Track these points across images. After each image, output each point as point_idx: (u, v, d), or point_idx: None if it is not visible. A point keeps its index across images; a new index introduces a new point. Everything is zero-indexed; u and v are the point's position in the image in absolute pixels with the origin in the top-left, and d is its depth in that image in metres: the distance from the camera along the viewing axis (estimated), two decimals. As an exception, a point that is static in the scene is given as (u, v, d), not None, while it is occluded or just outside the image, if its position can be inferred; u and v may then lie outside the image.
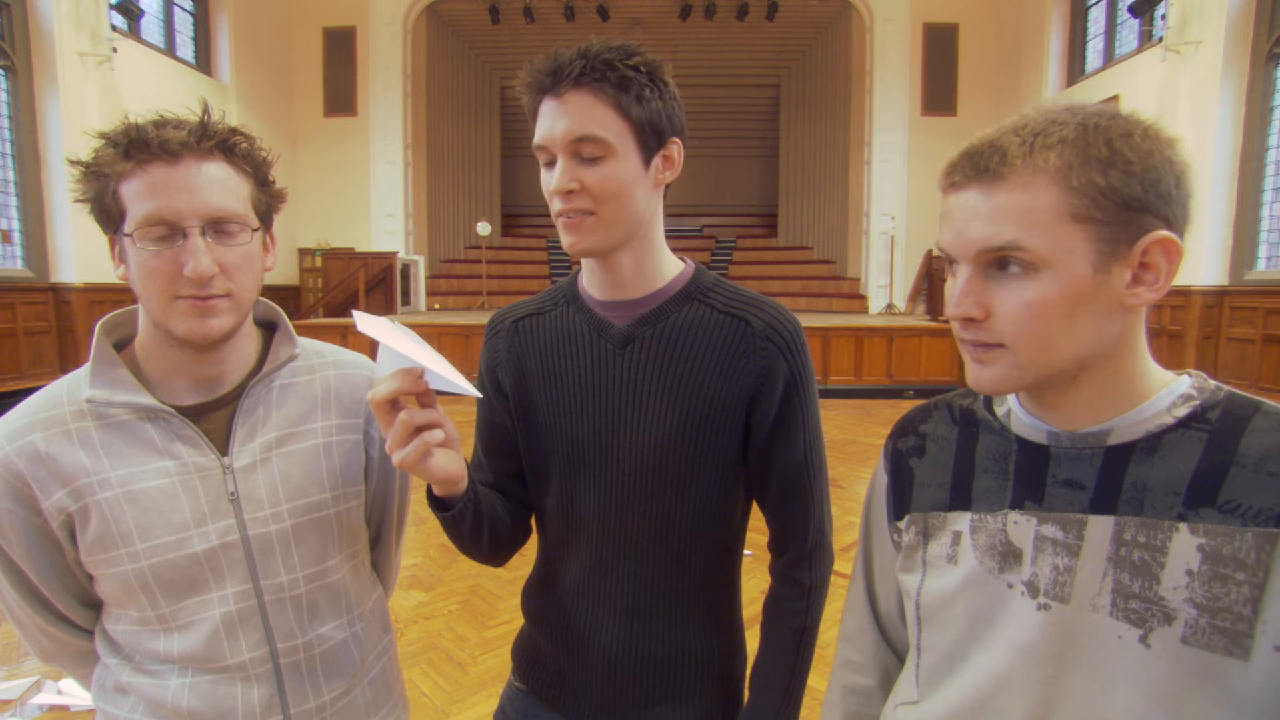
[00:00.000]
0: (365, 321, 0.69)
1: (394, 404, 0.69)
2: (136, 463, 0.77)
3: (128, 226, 0.73)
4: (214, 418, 0.82)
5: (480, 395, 0.73)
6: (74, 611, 0.84)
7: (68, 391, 0.79)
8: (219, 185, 0.75)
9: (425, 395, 0.70)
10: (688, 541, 0.87)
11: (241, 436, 0.82)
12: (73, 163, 0.75)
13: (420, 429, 0.69)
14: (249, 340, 0.86)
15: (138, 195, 0.73)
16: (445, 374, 0.67)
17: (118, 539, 0.76)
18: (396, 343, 0.67)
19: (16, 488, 0.75)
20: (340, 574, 0.89)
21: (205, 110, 0.77)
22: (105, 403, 0.77)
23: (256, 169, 0.80)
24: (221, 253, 0.75)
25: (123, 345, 0.84)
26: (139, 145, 0.72)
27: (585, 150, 0.77)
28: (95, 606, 0.85)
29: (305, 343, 0.93)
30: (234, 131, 0.78)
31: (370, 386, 0.90)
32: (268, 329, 0.91)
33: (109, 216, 0.75)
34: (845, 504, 4.36)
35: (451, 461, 0.74)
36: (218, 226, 0.75)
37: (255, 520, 0.82)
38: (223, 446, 0.82)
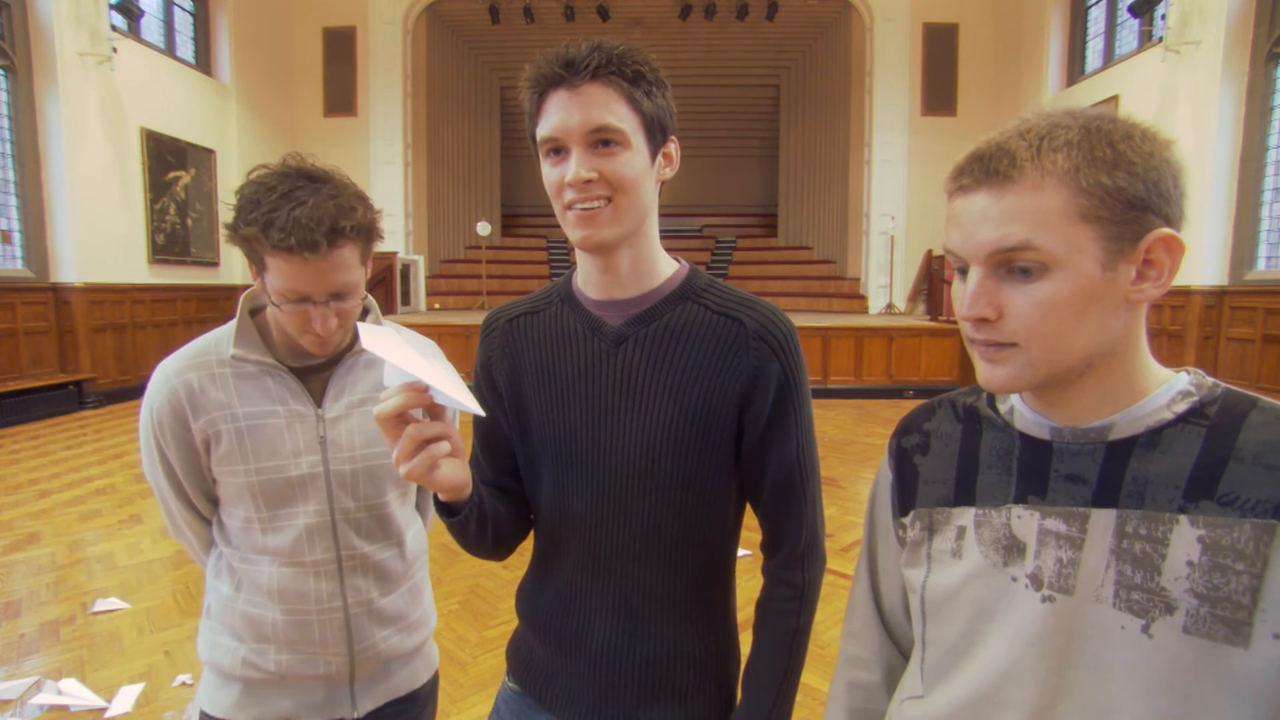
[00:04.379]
0: (370, 337, 0.70)
1: (401, 415, 0.70)
2: (258, 404, 1.05)
3: (269, 285, 0.97)
4: (315, 378, 1.10)
5: (484, 414, 0.73)
6: (201, 503, 1.12)
7: (216, 345, 1.07)
8: (345, 269, 0.97)
9: (433, 406, 0.71)
10: (681, 542, 0.87)
11: (333, 395, 1.09)
12: (228, 227, 0.97)
13: (428, 441, 0.70)
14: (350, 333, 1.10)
15: (280, 274, 0.95)
16: (450, 390, 0.68)
17: (238, 457, 1.04)
18: (402, 359, 0.68)
19: (177, 409, 1.04)
20: (391, 508, 1.14)
21: (333, 200, 0.95)
22: (243, 359, 1.05)
23: (369, 234, 1.01)
24: (340, 308, 1.00)
25: (255, 312, 1.10)
26: (281, 249, 0.92)
27: (603, 139, 0.77)
28: (216, 503, 1.12)
29: (390, 327, 1.11)
30: (354, 222, 0.96)
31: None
32: (361, 312, 1.11)
33: (258, 265, 0.98)
34: (845, 504, 4.37)
35: (457, 471, 0.75)
36: (338, 296, 0.99)
37: (335, 459, 1.08)
38: (319, 400, 1.09)
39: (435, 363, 0.73)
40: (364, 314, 1.12)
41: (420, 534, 1.25)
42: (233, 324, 1.06)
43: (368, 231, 1.00)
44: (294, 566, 1.07)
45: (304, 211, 0.91)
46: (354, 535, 1.09)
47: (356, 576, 1.10)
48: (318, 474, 1.06)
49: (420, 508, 1.28)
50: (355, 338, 1.11)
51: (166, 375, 1.05)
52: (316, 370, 1.10)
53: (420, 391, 0.69)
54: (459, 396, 0.69)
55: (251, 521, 1.06)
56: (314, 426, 1.07)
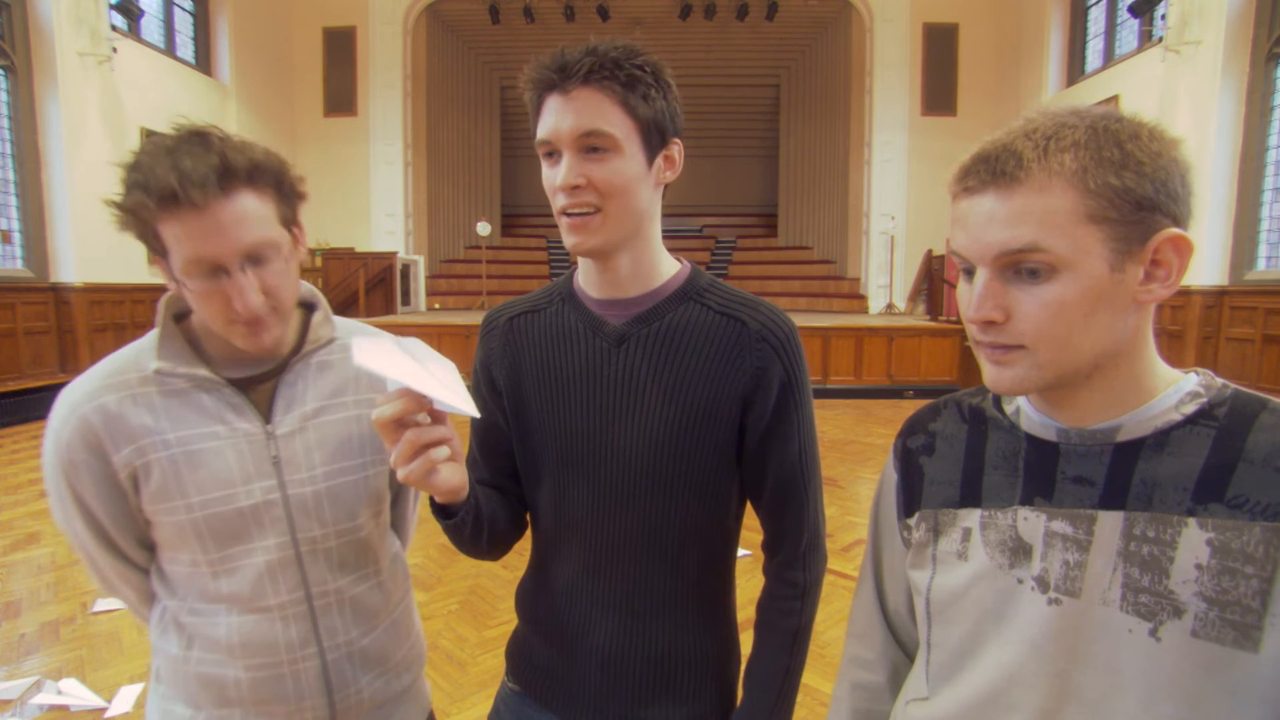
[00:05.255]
0: (365, 353, 0.67)
1: (400, 420, 0.69)
2: (193, 426, 0.88)
3: (173, 265, 0.81)
4: (259, 389, 0.93)
5: (480, 415, 0.73)
6: (133, 551, 0.94)
7: (135, 360, 0.89)
8: (250, 220, 0.81)
9: (433, 409, 0.70)
10: (681, 542, 0.86)
11: (283, 407, 0.93)
12: (110, 203, 0.81)
13: (427, 445, 0.69)
14: (292, 319, 0.96)
15: (176, 240, 0.79)
16: (448, 397, 0.67)
17: (174, 492, 0.86)
18: (400, 371, 0.67)
19: (91, 441, 0.85)
20: (365, 531, 0.98)
21: (222, 144, 0.81)
22: (169, 373, 0.88)
23: (278, 182, 0.85)
24: (262, 277, 0.83)
25: (180, 318, 0.93)
26: (168, 198, 0.77)
27: (592, 145, 0.77)
28: (152, 548, 0.94)
29: (343, 323, 1.03)
30: (250, 158, 0.82)
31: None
32: (307, 309, 0.99)
33: (155, 247, 0.83)
34: (845, 504, 4.36)
35: (456, 474, 0.75)
36: (254, 258, 0.82)
37: (293, 481, 0.92)
38: (267, 415, 0.92)
39: (432, 365, 0.71)
40: (311, 310, 0.98)
41: (400, 557, 1.10)
42: (154, 334, 0.89)
43: (275, 178, 0.84)
44: (256, 613, 0.90)
45: (189, 160, 0.77)
46: (325, 568, 0.94)
47: (332, 616, 0.95)
48: (274, 501, 0.90)
49: (396, 526, 1.12)
50: (303, 337, 0.97)
51: (73, 403, 0.86)
52: (261, 380, 0.93)
53: (419, 396, 0.68)
54: (457, 400, 0.68)
55: (199, 565, 0.89)
56: (264, 446, 0.90)
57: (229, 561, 0.89)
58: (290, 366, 0.94)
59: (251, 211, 0.81)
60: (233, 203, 0.80)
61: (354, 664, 0.97)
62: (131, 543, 0.93)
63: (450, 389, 0.69)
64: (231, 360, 0.92)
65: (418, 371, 0.69)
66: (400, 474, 0.70)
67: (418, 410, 0.68)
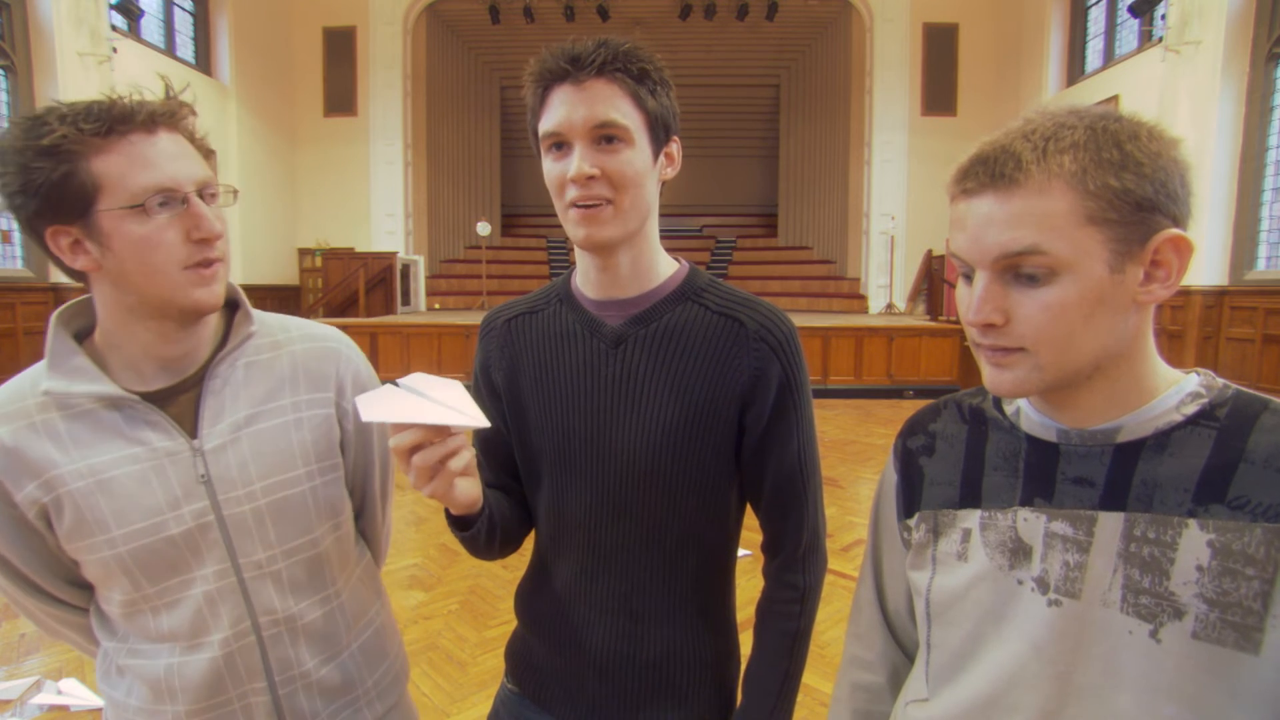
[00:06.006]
0: (369, 408, 0.68)
1: (415, 446, 0.70)
2: (105, 451, 0.78)
3: (116, 202, 0.72)
4: (180, 401, 0.82)
5: (490, 425, 0.74)
6: (64, 593, 0.85)
7: (30, 384, 0.79)
8: (193, 155, 0.77)
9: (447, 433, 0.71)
10: (680, 544, 0.86)
11: (209, 418, 0.83)
12: (18, 149, 0.70)
13: (440, 462, 0.70)
14: (212, 317, 0.86)
15: (127, 168, 0.72)
16: (457, 419, 0.68)
17: (93, 527, 0.77)
18: (404, 412, 0.67)
19: None
20: (322, 547, 0.89)
21: (168, 87, 0.79)
22: (64, 393, 0.77)
23: (199, 141, 0.81)
24: (215, 214, 0.78)
25: (83, 336, 0.83)
26: (123, 119, 0.71)
27: (606, 136, 0.77)
28: (86, 587, 0.86)
29: (268, 318, 0.93)
30: (187, 105, 0.80)
31: (339, 359, 0.94)
32: (229, 308, 0.90)
33: (68, 200, 0.71)
34: (845, 504, 4.36)
35: (473, 488, 0.76)
36: (205, 190, 0.77)
37: (229, 500, 0.82)
38: (191, 429, 0.82)
39: (435, 393, 0.72)
40: (234, 309, 0.89)
41: (371, 570, 1.00)
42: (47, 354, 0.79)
43: (191, 131, 0.80)
44: (196, 650, 0.81)
45: (131, 103, 0.74)
46: (273, 594, 0.85)
47: (284, 647, 0.86)
48: (208, 524, 0.81)
49: (366, 536, 1.02)
50: (225, 337, 0.87)
51: None
52: (180, 390, 0.82)
53: (433, 426, 0.69)
54: (465, 419, 0.69)
55: (136, 603, 0.80)
56: (190, 464, 0.80)
57: (166, 595, 0.80)
58: (212, 371, 0.83)
59: (191, 149, 0.78)
60: (176, 134, 0.76)
61: (311, 696, 0.88)
62: (59, 584, 0.84)
63: (458, 410, 0.70)
64: (146, 370, 0.81)
65: (421, 405, 0.69)
66: (425, 492, 0.71)
67: (434, 437, 0.69)
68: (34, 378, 0.79)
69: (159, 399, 0.81)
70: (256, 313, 0.89)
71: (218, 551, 0.82)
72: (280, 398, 0.88)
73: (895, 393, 8.08)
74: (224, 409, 0.84)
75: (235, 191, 0.84)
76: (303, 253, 12.03)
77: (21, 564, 0.81)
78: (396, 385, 0.73)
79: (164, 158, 0.74)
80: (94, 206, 0.72)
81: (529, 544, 0.98)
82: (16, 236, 7.11)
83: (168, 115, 0.75)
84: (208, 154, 0.82)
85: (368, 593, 0.98)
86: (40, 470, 0.76)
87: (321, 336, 0.94)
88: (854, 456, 5.62)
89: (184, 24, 9.73)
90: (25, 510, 0.77)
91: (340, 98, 11.90)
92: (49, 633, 0.90)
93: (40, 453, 0.76)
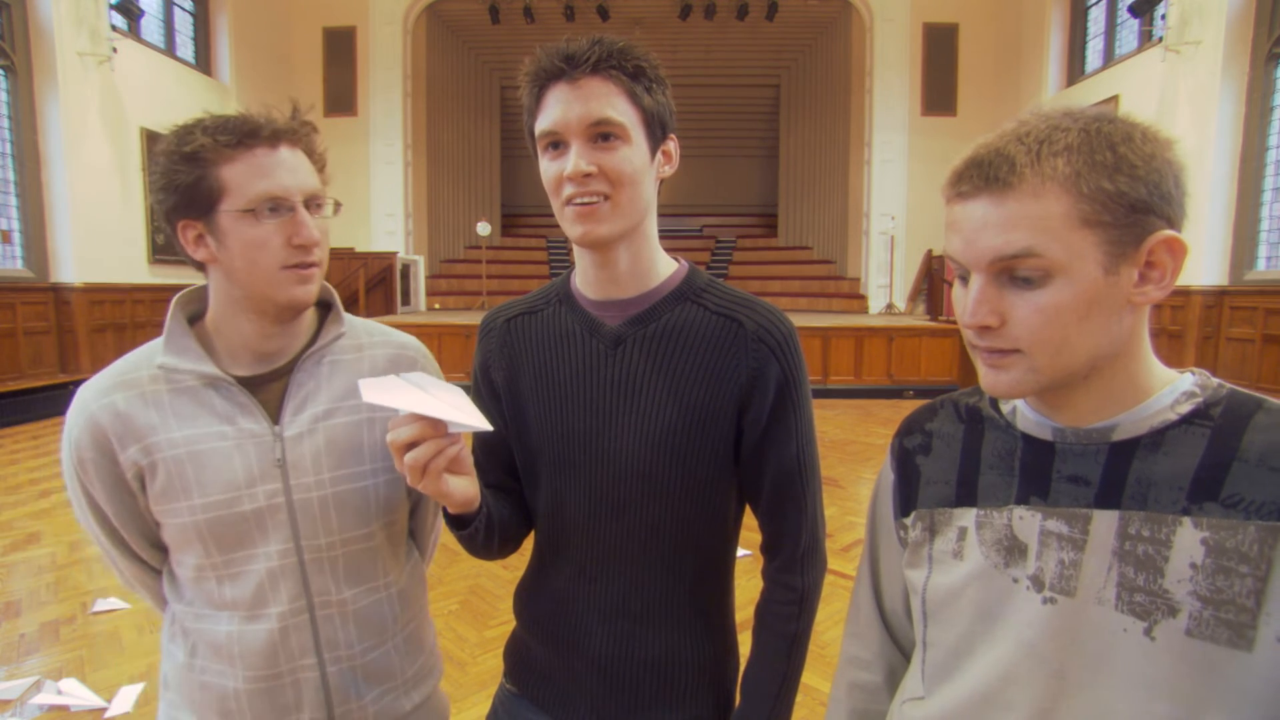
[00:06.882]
0: (372, 391, 0.71)
1: (413, 443, 0.72)
2: (200, 425, 0.86)
3: (235, 205, 0.82)
4: (269, 389, 0.91)
5: (492, 429, 0.75)
6: (145, 552, 0.94)
7: (146, 358, 0.89)
8: (308, 168, 0.87)
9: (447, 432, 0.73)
10: (679, 545, 0.86)
11: (292, 407, 0.91)
12: (167, 154, 0.83)
13: (431, 458, 0.72)
14: (307, 317, 0.95)
15: (247, 176, 0.82)
16: (458, 417, 0.70)
17: (179, 492, 0.85)
18: (407, 401, 0.70)
19: (99, 440, 0.85)
20: (376, 540, 0.96)
21: (295, 109, 0.90)
22: (174, 369, 0.87)
23: (317, 156, 0.91)
24: (318, 224, 0.87)
25: (194, 320, 0.93)
26: (251, 133, 0.82)
27: (602, 133, 0.77)
28: (163, 549, 0.94)
29: (357, 322, 1.01)
30: (309, 124, 0.90)
31: (414, 367, 0.99)
32: (323, 308, 0.99)
33: (198, 200, 0.83)
34: (845, 504, 4.36)
35: (469, 486, 0.77)
36: (312, 201, 0.86)
37: (299, 486, 0.89)
38: (275, 416, 0.90)
39: (437, 392, 0.74)
40: (327, 309, 0.99)
41: (418, 569, 1.07)
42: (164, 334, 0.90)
43: (312, 147, 0.90)
44: (256, 620, 0.88)
45: (243, 116, 0.85)
46: (329, 578, 0.91)
47: (334, 628, 0.92)
48: (278, 505, 0.88)
49: (416, 536, 1.09)
50: (316, 334, 0.96)
51: (85, 401, 0.87)
52: (270, 379, 0.91)
53: (433, 421, 0.71)
54: (466, 419, 0.70)
55: (204, 569, 0.88)
56: (270, 448, 0.88)
57: (232, 566, 0.88)
58: (300, 365, 0.92)
59: (308, 164, 0.88)
60: (295, 150, 0.86)
61: (358, 677, 0.94)
62: (143, 543, 0.92)
63: (459, 409, 0.71)
64: (244, 358, 0.91)
65: (425, 399, 0.71)
66: (419, 489, 0.73)
67: (432, 434, 0.71)
68: (150, 353, 0.89)
69: (252, 384, 0.90)
70: (347, 316, 0.99)
71: (283, 531, 0.88)
72: (357, 397, 0.93)
73: (895, 393, 8.08)
74: (306, 401, 0.91)
75: (338, 204, 0.93)
76: (303, 253, 12.03)
77: (115, 518, 0.90)
78: (400, 377, 0.75)
79: (280, 169, 0.83)
80: (217, 207, 0.83)
81: (528, 544, 0.98)
82: (17, 237, 7.12)
83: (289, 132, 0.86)
84: (322, 168, 0.92)
85: (414, 588, 1.04)
86: (143, 435, 0.85)
87: (400, 344, 1.02)
88: (854, 456, 5.62)
89: (184, 24, 9.73)
90: (125, 470, 0.86)
91: (340, 98, 11.91)
92: (126, 585, 0.99)
93: (146, 420, 0.85)
